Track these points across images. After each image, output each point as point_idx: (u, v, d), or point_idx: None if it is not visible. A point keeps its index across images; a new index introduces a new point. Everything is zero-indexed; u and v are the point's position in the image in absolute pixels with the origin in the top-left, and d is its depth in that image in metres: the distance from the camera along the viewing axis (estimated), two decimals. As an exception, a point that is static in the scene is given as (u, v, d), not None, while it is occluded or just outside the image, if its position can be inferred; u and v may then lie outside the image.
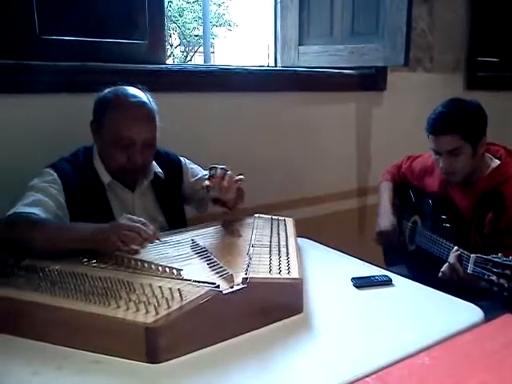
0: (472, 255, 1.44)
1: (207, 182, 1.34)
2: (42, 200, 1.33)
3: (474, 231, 1.69)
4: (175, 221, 1.56)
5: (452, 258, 1.51)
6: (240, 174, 1.43)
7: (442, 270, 1.54)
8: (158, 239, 1.24)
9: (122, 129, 1.39)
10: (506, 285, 1.30)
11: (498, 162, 1.73)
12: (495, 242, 1.61)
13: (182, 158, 1.67)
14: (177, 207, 1.59)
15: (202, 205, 1.69)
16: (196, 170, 1.68)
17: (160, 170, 1.56)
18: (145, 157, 1.44)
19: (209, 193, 1.37)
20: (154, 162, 1.54)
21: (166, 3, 2.03)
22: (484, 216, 1.66)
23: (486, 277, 1.35)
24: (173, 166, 1.62)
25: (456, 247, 1.53)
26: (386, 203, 1.99)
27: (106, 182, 1.46)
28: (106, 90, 1.45)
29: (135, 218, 1.23)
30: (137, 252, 1.22)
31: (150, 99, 1.49)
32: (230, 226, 1.55)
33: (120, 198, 1.49)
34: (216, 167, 1.38)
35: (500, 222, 1.63)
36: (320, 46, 2.40)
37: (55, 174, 1.39)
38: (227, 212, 1.55)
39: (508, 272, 1.30)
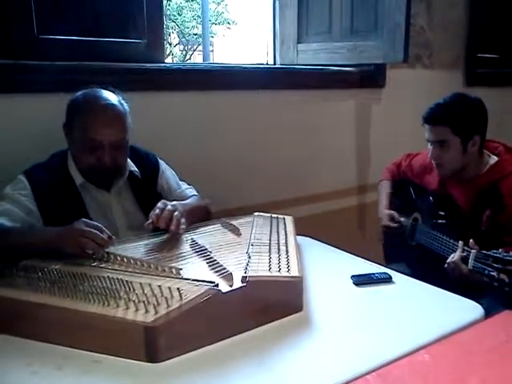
0: (472, 251, 1.44)
1: (149, 222, 1.36)
2: (8, 209, 1.36)
3: (472, 227, 1.69)
4: None
5: (457, 256, 1.50)
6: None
7: (448, 261, 1.53)
8: (112, 244, 1.27)
9: (90, 131, 1.40)
10: (507, 280, 1.30)
11: (496, 158, 1.73)
12: (493, 239, 1.61)
13: (160, 161, 1.66)
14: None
15: None
16: (171, 178, 1.67)
17: (136, 169, 1.56)
18: (114, 158, 1.44)
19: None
20: (129, 160, 1.54)
21: (164, 2, 2.03)
22: (482, 213, 1.67)
23: (486, 272, 1.35)
24: (150, 166, 1.62)
25: (461, 242, 1.52)
26: (382, 203, 2.02)
27: (79, 183, 1.46)
28: (78, 93, 1.47)
29: (91, 222, 1.27)
30: (94, 254, 1.24)
31: (122, 101, 1.49)
32: (230, 224, 1.54)
33: (96, 198, 1.50)
34: (158, 209, 1.38)
35: (498, 219, 1.63)
36: (319, 43, 2.39)
37: (26, 180, 1.41)
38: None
39: (509, 267, 1.30)
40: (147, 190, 1.58)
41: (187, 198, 1.64)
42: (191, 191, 1.70)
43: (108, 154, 1.42)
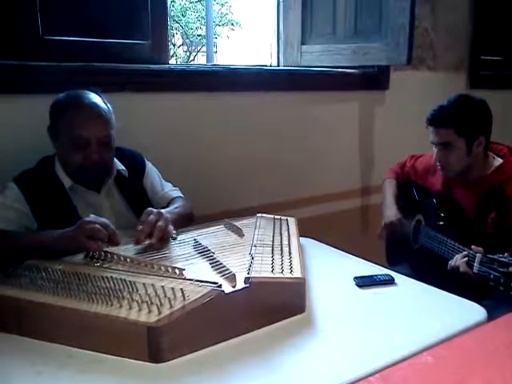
0: (478, 255, 1.43)
1: (138, 236, 1.34)
2: (3, 216, 1.37)
3: (478, 230, 1.69)
4: None
5: (462, 265, 1.49)
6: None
7: (452, 265, 1.52)
8: (118, 241, 1.29)
9: (77, 128, 1.41)
10: None
11: (500, 160, 1.73)
12: (499, 242, 1.61)
13: (147, 161, 1.66)
14: (145, 203, 1.57)
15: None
16: (155, 179, 1.66)
17: (123, 168, 1.56)
18: (102, 156, 1.44)
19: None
20: (116, 160, 1.55)
21: (168, 3, 2.03)
22: (487, 215, 1.66)
23: (491, 276, 1.35)
24: (136, 165, 1.62)
25: (465, 252, 1.51)
26: (390, 198, 1.99)
27: (68, 186, 1.47)
28: (60, 95, 1.48)
29: (98, 217, 1.30)
30: (102, 247, 1.26)
31: (105, 100, 1.50)
32: (233, 225, 1.55)
33: (87, 200, 1.50)
34: (145, 219, 1.35)
35: (504, 223, 1.63)
36: (323, 45, 2.39)
37: (15, 186, 1.42)
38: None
39: None
40: (135, 188, 1.59)
41: (171, 200, 1.63)
42: (176, 193, 1.68)
43: (95, 151, 1.42)
